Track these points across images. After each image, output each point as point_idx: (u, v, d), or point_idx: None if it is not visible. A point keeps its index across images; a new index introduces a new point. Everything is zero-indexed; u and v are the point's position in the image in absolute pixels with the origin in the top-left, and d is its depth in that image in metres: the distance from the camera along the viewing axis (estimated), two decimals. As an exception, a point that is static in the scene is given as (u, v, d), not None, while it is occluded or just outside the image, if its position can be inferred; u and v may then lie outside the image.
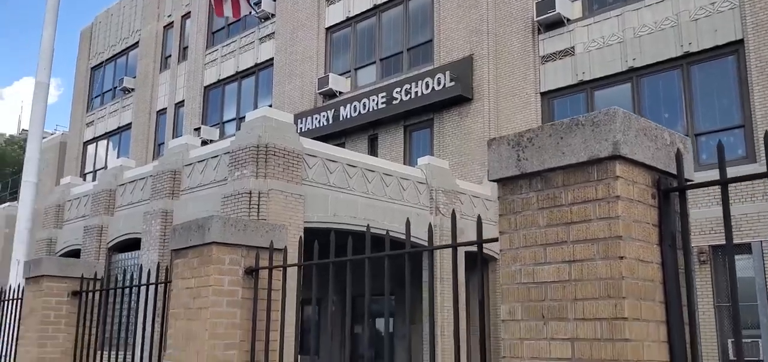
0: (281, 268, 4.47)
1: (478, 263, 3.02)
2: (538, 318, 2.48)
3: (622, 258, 2.30)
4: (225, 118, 28.19)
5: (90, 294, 6.16)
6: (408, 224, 3.56)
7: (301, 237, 4.47)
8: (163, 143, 29.35)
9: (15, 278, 9.87)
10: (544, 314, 2.47)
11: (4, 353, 8.14)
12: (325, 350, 17.69)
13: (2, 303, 8.15)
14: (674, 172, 2.53)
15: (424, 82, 20.60)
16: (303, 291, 4.59)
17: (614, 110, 2.38)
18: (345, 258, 3.94)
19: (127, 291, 5.83)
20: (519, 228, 2.58)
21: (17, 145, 53.55)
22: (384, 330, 17.30)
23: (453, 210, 3.11)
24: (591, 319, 2.35)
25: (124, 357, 5.54)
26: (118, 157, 28.55)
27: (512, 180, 2.61)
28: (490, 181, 2.67)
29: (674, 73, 16.81)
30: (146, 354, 5.13)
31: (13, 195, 37.28)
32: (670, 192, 2.51)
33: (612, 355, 2.28)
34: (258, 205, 13.26)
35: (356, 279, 4.02)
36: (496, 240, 2.87)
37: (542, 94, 18.90)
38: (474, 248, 3.18)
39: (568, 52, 18.55)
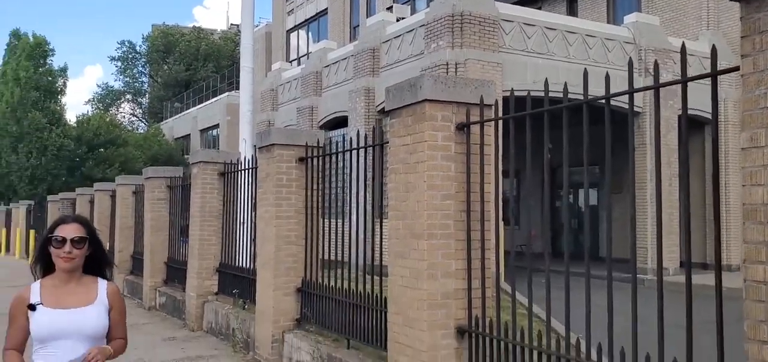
0: (492, 122, 4.55)
1: (714, 94, 2.84)
2: (786, 144, 2.31)
3: None
4: (416, -7, 28.18)
5: (314, 160, 6.76)
6: (630, 63, 3.42)
7: (512, 89, 4.48)
8: (358, 26, 30.21)
9: (243, 153, 11.02)
10: (794, 139, 2.29)
11: (243, 219, 9.30)
12: (533, 217, 17.82)
13: (239, 172, 9.23)
14: None
15: (629, -69, 18.86)
16: (505, 160, 4.61)
17: None
18: (560, 105, 3.89)
19: (343, 156, 6.30)
20: (765, 48, 2.37)
21: (230, 39, 58.12)
22: (601, 195, 16.73)
23: (683, 42, 2.93)
24: None
25: (350, 221, 6.07)
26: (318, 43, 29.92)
27: (758, -5, 2.39)
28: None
29: None
30: (368, 214, 5.58)
31: (230, 86, 40.83)
32: None
33: None
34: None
35: (560, 144, 3.94)
36: (736, 69, 2.67)
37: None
38: (707, 84, 2.99)
39: None
